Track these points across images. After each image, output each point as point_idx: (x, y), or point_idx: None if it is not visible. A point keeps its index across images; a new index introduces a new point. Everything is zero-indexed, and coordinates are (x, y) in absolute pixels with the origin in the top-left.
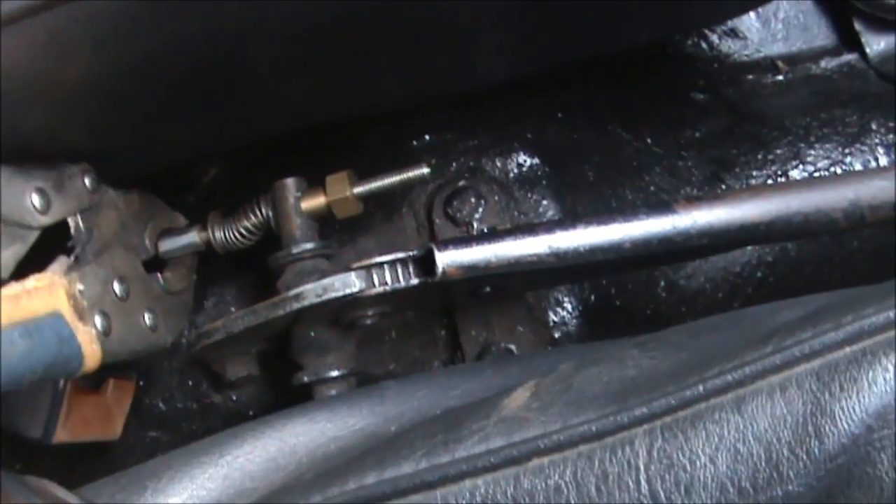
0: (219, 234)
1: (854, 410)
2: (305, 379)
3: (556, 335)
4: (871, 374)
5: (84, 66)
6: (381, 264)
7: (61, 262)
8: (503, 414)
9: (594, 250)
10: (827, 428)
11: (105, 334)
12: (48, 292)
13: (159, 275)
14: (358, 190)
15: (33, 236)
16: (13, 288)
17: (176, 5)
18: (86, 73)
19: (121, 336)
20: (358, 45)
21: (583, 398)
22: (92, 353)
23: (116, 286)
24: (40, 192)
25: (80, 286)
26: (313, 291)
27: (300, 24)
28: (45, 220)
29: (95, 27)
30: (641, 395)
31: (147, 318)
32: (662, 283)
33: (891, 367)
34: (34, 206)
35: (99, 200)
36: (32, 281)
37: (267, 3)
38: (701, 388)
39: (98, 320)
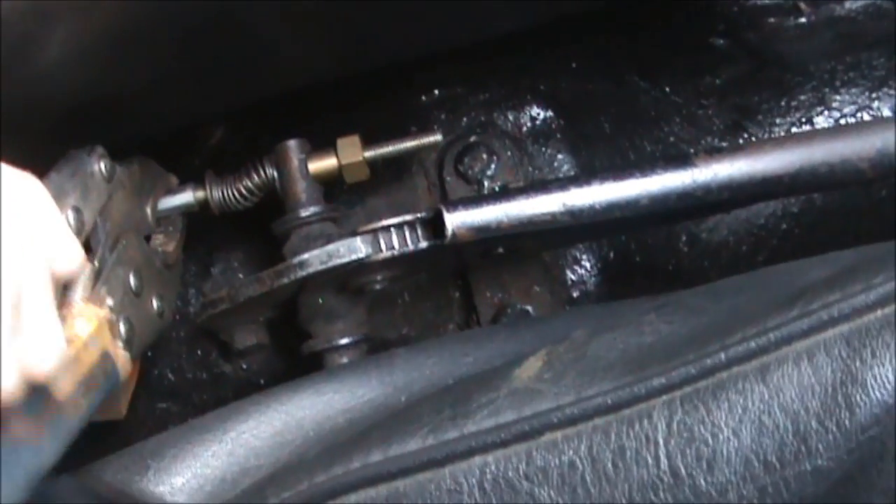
0: (216, 193)
1: (887, 378)
2: (314, 347)
3: (575, 294)
4: None
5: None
6: (387, 228)
7: (86, 277)
8: (514, 385)
9: (611, 207)
10: (858, 397)
11: (129, 341)
12: (98, 336)
13: (158, 248)
14: (369, 154)
15: None
16: (70, 344)
17: None
18: (85, 31)
19: (140, 334)
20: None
21: (597, 367)
22: (125, 368)
23: (132, 281)
24: (75, 210)
25: (109, 301)
26: (318, 258)
27: None
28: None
29: None
30: (659, 364)
31: (156, 304)
32: (684, 238)
33: None
34: (70, 225)
35: (111, 186)
36: (83, 325)
37: None
38: (723, 355)
39: (124, 330)
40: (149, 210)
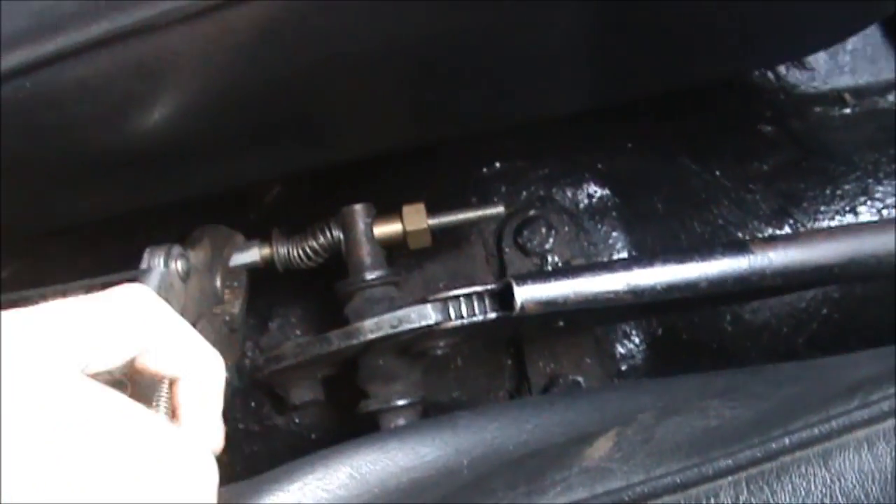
0: (283, 251)
1: None
2: (372, 406)
3: (623, 367)
4: None
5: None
6: (457, 297)
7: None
8: (585, 464)
9: (671, 289)
10: None
11: None
12: None
13: (225, 311)
14: (433, 222)
15: None
16: None
17: (277, 37)
18: (177, 92)
19: None
20: (438, 74)
21: (665, 448)
22: None
23: None
24: None
25: None
26: (388, 322)
27: (384, 55)
28: None
29: (202, 52)
30: (725, 447)
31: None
32: (728, 318)
33: None
34: None
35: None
36: None
37: (353, 39)
38: (787, 440)
39: None
40: (218, 280)
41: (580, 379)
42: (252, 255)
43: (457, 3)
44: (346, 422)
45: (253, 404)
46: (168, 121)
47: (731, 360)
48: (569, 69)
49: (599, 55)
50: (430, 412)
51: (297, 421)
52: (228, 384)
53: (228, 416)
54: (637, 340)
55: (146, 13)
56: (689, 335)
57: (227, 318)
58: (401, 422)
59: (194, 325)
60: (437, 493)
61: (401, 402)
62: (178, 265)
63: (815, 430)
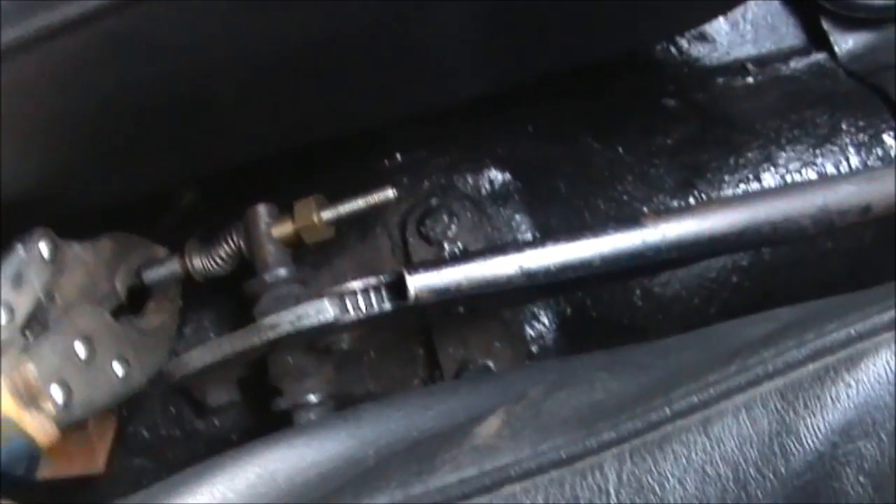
0: (197, 262)
1: (819, 428)
2: (284, 405)
3: (534, 349)
4: (833, 391)
5: (49, 105)
6: (353, 291)
7: (13, 348)
8: (475, 442)
9: (565, 268)
10: (792, 446)
11: (66, 405)
12: None
13: (134, 317)
14: (326, 215)
15: None
16: None
17: (140, 49)
18: (50, 112)
19: (84, 398)
20: (329, 70)
21: (552, 423)
22: (45, 435)
23: (80, 348)
24: (3, 304)
25: (32, 368)
26: (287, 319)
27: (270, 56)
28: (11, 331)
29: (59, 69)
30: (609, 419)
31: (117, 367)
32: (638, 292)
33: (853, 384)
34: None
35: (60, 263)
36: None
37: (234, 41)
38: (667, 409)
39: (57, 392)
40: (119, 282)
41: (490, 363)
42: (171, 266)
43: (328, 9)
44: (265, 421)
45: (172, 410)
46: (59, 134)
47: (643, 335)
48: (460, 57)
49: (491, 40)
50: (346, 406)
51: (216, 424)
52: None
53: (150, 423)
54: (546, 321)
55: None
56: (598, 312)
57: (136, 320)
58: (313, 418)
59: (65, 314)
60: (340, 483)
61: (313, 399)
62: (40, 248)
63: (694, 398)
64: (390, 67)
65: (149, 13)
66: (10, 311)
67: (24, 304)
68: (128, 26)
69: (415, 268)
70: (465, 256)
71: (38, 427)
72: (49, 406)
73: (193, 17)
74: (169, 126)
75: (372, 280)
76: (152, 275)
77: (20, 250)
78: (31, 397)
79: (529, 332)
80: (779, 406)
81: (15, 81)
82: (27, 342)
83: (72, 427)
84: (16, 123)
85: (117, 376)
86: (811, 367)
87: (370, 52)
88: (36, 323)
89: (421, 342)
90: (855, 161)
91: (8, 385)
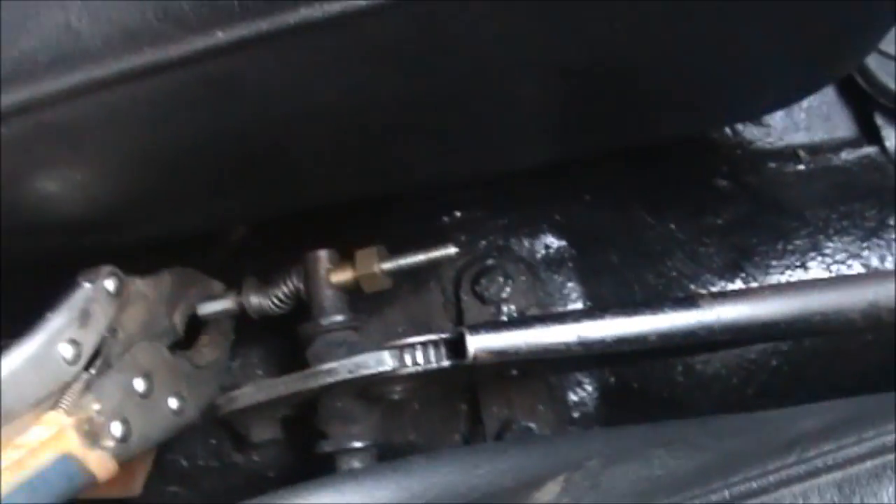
0: (254, 300)
1: None
2: (329, 448)
3: (576, 415)
4: (890, 489)
5: (137, 139)
6: (413, 345)
7: (77, 384)
8: None
9: (620, 341)
10: None
11: (123, 440)
12: (56, 440)
13: (189, 351)
14: (386, 266)
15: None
16: (16, 449)
17: (234, 94)
18: (136, 146)
19: (142, 433)
20: (404, 129)
21: (611, 494)
22: (105, 470)
23: (139, 384)
24: (71, 342)
25: (95, 406)
26: (346, 367)
27: (352, 111)
28: (76, 370)
29: (154, 108)
30: (667, 496)
31: (173, 402)
32: (679, 368)
33: None
34: (64, 358)
35: (124, 299)
36: (39, 431)
37: (325, 95)
38: (726, 493)
39: (117, 428)
40: (178, 317)
41: (533, 425)
42: (226, 303)
43: (413, 70)
44: (304, 461)
45: (213, 441)
46: (140, 167)
47: (682, 409)
48: (529, 129)
49: (560, 116)
50: (387, 454)
51: (255, 458)
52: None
53: (189, 452)
54: (589, 389)
55: (99, 72)
56: (640, 385)
57: (189, 355)
58: (356, 464)
59: (128, 346)
60: None
61: (357, 445)
62: (106, 283)
63: (753, 484)
64: (465, 130)
65: (249, 60)
66: (78, 347)
67: (89, 340)
68: (226, 71)
69: (475, 328)
70: (524, 321)
71: (100, 464)
72: (109, 443)
73: (293, 68)
74: (244, 170)
75: (432, 336)
76: (208, 309)
77: (87, 286)
78: (93, 435)
79: (572, 397)
80: (836, 499)
81: (111, 113)
82: (90, 378)
83: (127, 459)
84: (103, 152)
85: (173, 411)
86: (869, 464)
87: (451, 114)
88: (99, 359)
89: (465, 399)
90: None
91: (73, 423)
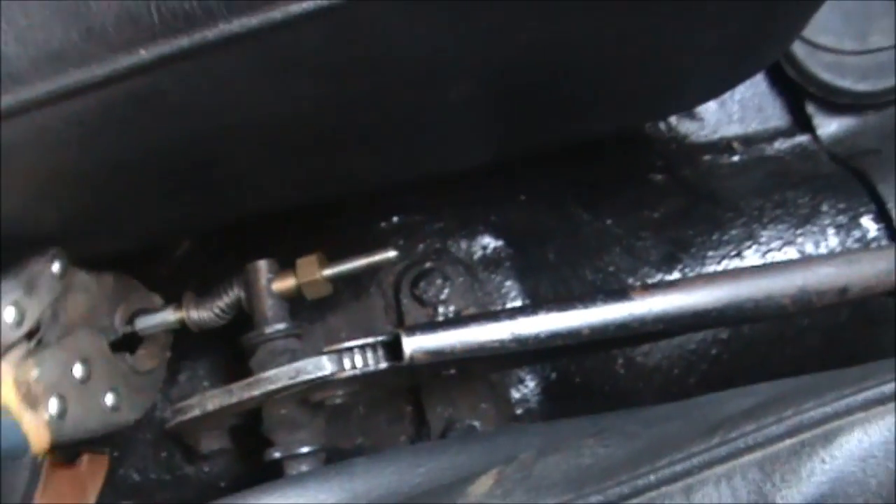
0: (194, 314)
1: (794, 500)
2: (276, 455)
3: (519, 411)
4: (809, 465)
5: (69, 158)
6: (351, 349)
7: (18, 350)
8: (468, 501)
9: (554, 336)
10: None
11: (60, 417)
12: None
13: (128, 355)
14: (327, 272)
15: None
16: None
17: (161, 110)
18: (68, 165)
19: (77, 418)
20: (338, 136)
21: (542, 486)
22: (39, 439)
23: (78, 368)
24: (15, 304)
25: (35, 372)
26: (286, 374)
27: (285, 121)
28: (19, 334)
29: (83, 127)
30: (596, 483)
31: (109, 398)
32: (620, 361)
33: (827, 459)
34: (7, 322)
35: (68, 284)
36: None
37: (251, 107)
38: (652, 477)
39: (53, 404)
40: (117, 319)
41: (476, 423)
42: (166, 315)
43: (334, 79)
44: (254, 470)
45: (164, 454)
46: (74, 185)
47: (624, 401)
48: (464, 131)
49: (494, 117)
50: (336, 458)
51: (206, 470)
52: (137, 432)
53: (141, 466)
54: (531, 385)
55: (27, 94)
56: (582, 379)
57: (132, 359)
58: (304, 468)
59: (68, 331)
60: None
61: (304, 450)
62: (53, 265)
63: (678, 467)
64: (396, 137)
65: (172, 76)
66: (21, 312)
67: (33, 309)
68: (151, 88)
69: (411, 329)
70: (459, 320)
71: (34, 429)
72: (45, 414)
73: (216, 82)
74: (180, 183)
75: (369, 339)
76: (145, 323)
77: (34, 258)
78: (30, 400)
79: (515, 394)
80: (757, 477)
81: (41, 134)
82: (31, 349)
83: (62, 452)
84: (36, 173)
85: (109, 406)
86: (788, 442)
87: (381, 121)
88: (39, 334)
89: (409, 400)
90: (834, 242)
91: (13, 379)
